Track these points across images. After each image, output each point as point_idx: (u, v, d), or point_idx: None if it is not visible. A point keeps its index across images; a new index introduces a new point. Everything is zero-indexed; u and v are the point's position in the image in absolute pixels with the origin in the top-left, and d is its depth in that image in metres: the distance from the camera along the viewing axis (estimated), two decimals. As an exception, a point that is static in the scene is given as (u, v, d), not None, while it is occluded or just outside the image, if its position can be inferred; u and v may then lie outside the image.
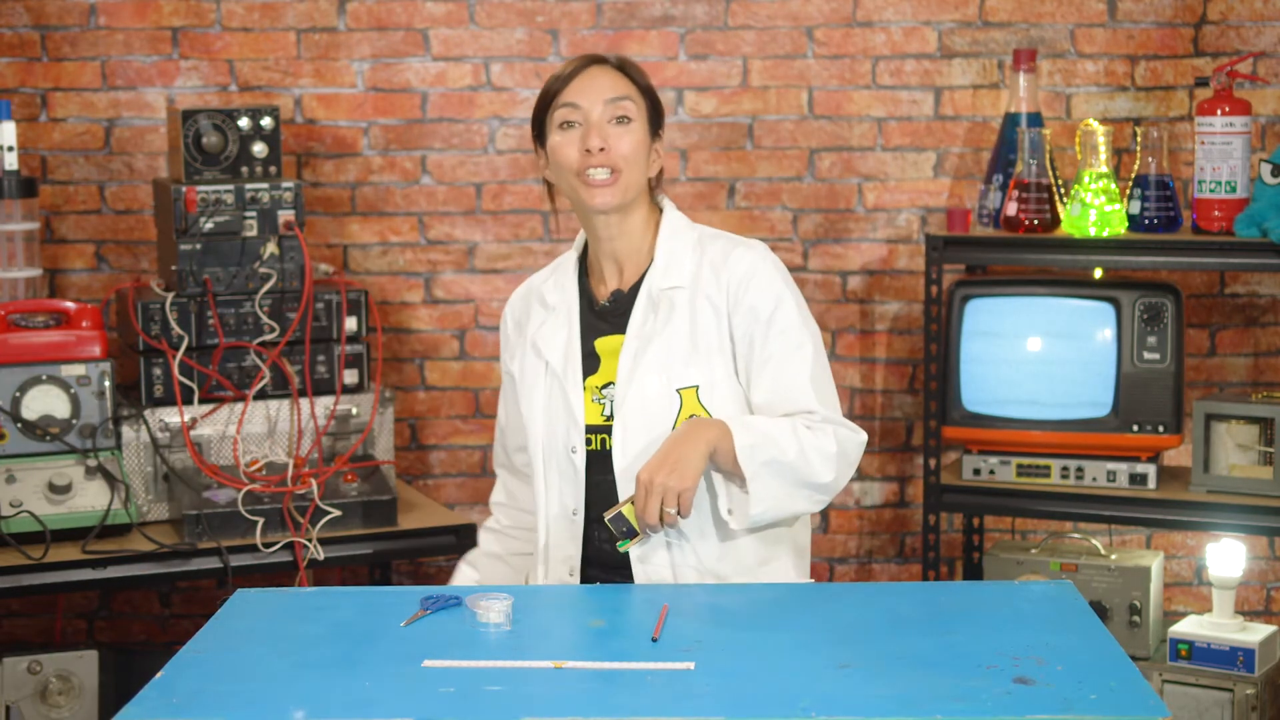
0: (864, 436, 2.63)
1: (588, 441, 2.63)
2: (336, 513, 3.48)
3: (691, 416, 2.58)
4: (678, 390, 2.60)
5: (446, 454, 4.25)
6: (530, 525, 2.79)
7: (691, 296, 2.62)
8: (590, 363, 2.66)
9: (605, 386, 2.64)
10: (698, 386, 2.60)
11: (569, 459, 2.64)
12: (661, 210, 2.72)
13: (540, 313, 2.73)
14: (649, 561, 2.60)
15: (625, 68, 2.66)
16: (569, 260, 2.75)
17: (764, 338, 2.60)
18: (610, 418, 2.62)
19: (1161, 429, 3.76)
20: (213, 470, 3.52)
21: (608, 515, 2.53)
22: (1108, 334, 3.80)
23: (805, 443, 2.53)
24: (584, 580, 2.65)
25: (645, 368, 2.60)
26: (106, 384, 3.51)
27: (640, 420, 2.59)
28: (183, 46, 4.09)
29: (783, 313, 2.61)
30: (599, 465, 2.63)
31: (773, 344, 2.60)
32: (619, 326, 2.65)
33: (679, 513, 2.47)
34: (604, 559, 2.64)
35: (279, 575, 3.50)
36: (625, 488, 2.60)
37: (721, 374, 2.61)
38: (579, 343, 2.67)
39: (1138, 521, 3.84)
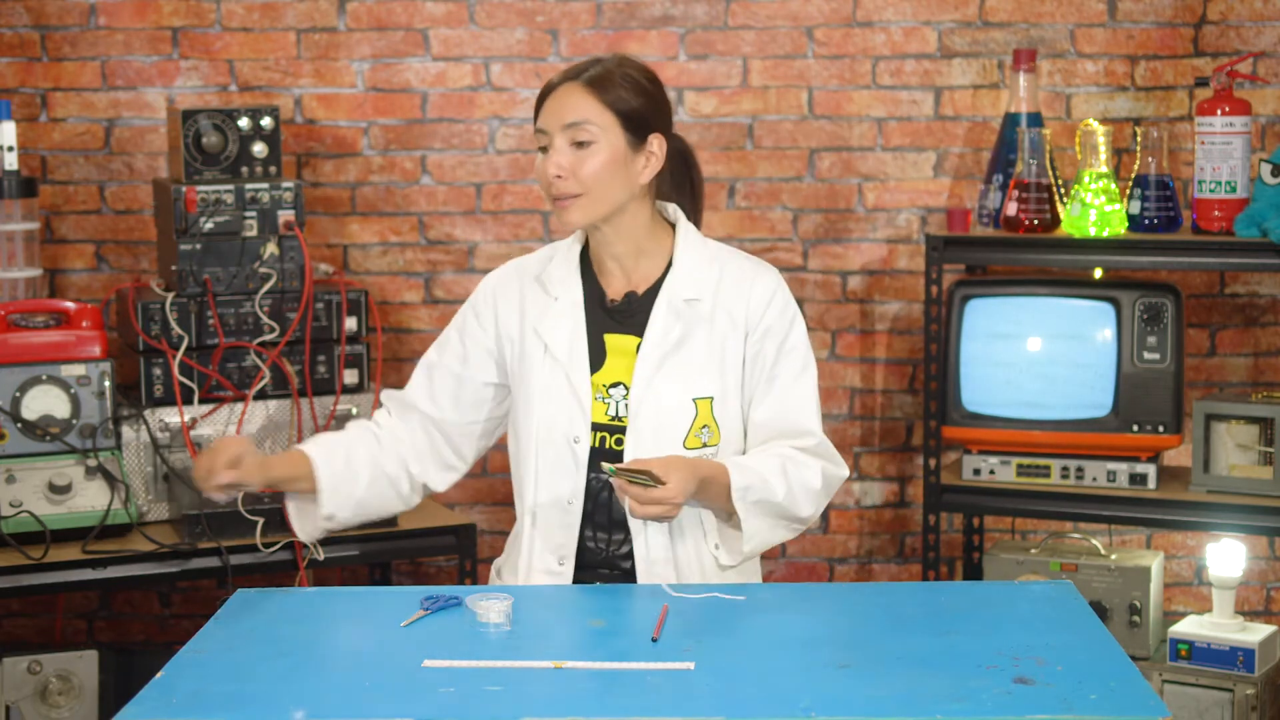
0: (846, 472, 2.71)
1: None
2: (336, 513, 3.48)
3: (704, 427, 2.63)
4: (694, 400, 2.63)
5: (446, 454, 4.24)
6: (401, 455, 2.74)
7: (712, 310, 2.66)
8: (596, 357, 2.67)
9: (613, 386, 2.65)
10: (713, 398, 2.64)
11: (569, 449, 2.64)
12: (673, 220, 2.74)
13: (541, 298, 2.72)
14: (654, 560, 2.63)
15: (596, 84, 2.62)
16: (570, 252, 2.75)
17: (774, 358, 2.67)
18: (617, 418, 2.64)
19: (1161, 429, 3.76)
20: (213, 470, 3.52)
21: (612, 467, 2.49)
22: (1108, 334, 3.80)
23: (793, 481, 2.61)
24: (581, 578, 2.65)
25: (665, 375, 2.63)
26: (106, 384, 3.51)
27: (654, 426, 2.62)
28: (183, 46, 4.09)
29: (795, 337, 2.69)
30: (595, 462, 2.64)
31: (783, 364, 2.68)
32: (631, 328, 2.67)
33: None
34: (597, 559, 2.66)
35: (279, 575, 3.50)
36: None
37: (733, 388, 2.67)
38: (585, 336, 2.68)
39: (1138, 521, 3.84)
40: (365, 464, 2.72)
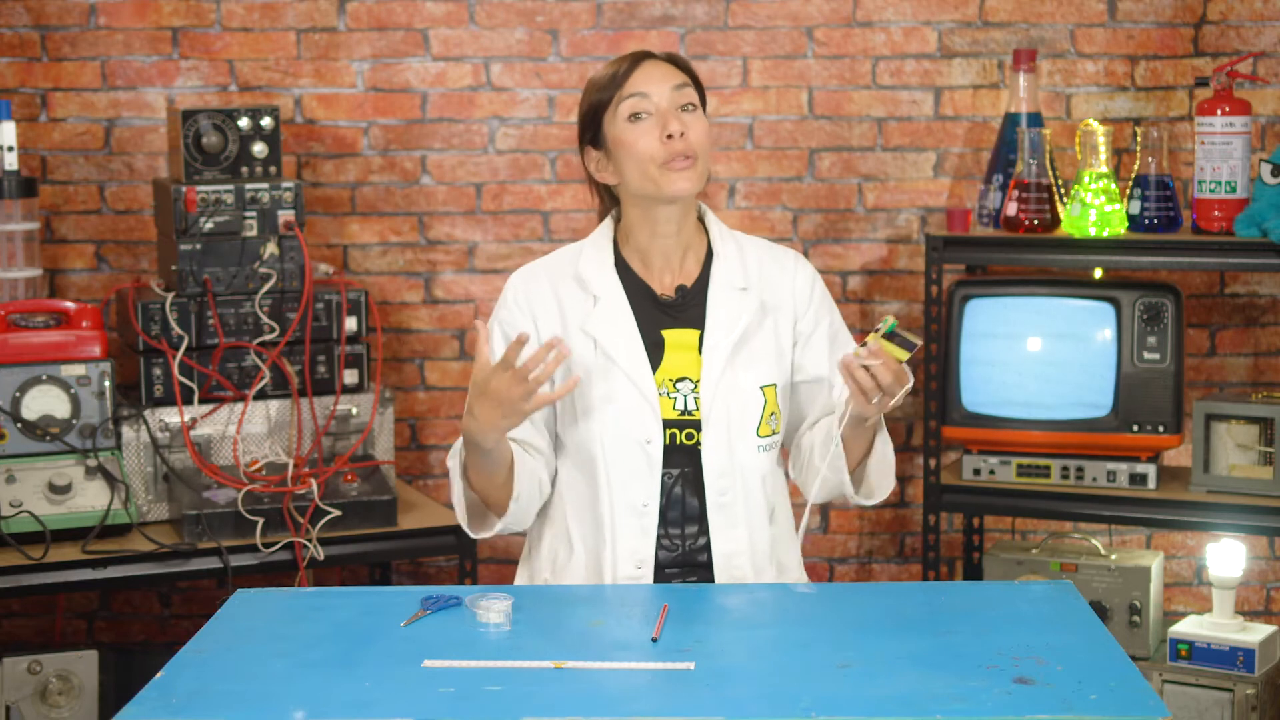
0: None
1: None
2: (336, 513, 3.48)
3: (772, 415, 2.63)
4: (761, 388, 2.63)
5: (446, 454, 4.25)
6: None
7: (760, 299, 2.66)
8: (654, 354, 2.62)
9: (679, 381, 2.62)
10: (776, 385, 2.65)
11: (642, 451, 2.59)
12: (700, 215, 2.73)
13: (580, 297, 2.65)
14: (732, 553, 2.61)
15: (675, 60, 2.66)
16: (602, 249, 2.69)
17: (824, 337, 2.69)
18: (686, 412, 2.60)
19: (1161, 429, 3.76)
20: (213, 470, 3.52)
21: (893, 322, 2.42)
22: (1108, 334, 3.80)
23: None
24: (657, 579, 2.61)
25: (736, 366, 2.62)
26: (106, 384, 3.51)
27: (728, 418, 2.60)
28: (183, 46, 4.09)
29: (836, 316, 2.74)
30: (669, 460, 2.60)
31: (840, 334, 2.71)
32: (689, 321, 2.64)
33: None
34: (671, 557, 2.62)
35: (279, 575, 3.50)
36: (715, 483, 2.59)
37: (787, 375, 2.68)
38: (638, 334, 2.63)
39: (1138, 521, 3.84)
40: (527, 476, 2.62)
